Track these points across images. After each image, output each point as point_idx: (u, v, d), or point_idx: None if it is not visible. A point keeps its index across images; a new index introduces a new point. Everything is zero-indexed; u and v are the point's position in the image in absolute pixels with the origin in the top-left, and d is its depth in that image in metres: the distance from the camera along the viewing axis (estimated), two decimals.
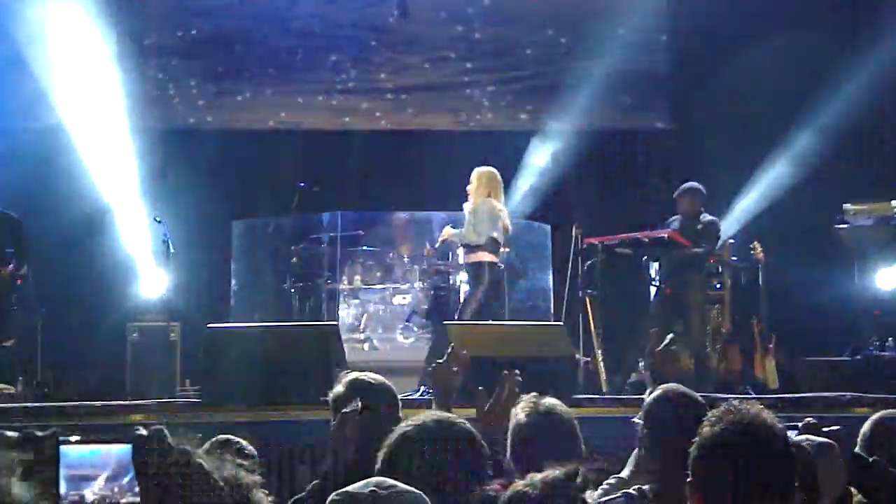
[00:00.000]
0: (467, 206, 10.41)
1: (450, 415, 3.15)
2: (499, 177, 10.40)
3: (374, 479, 2.00)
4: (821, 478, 3.39)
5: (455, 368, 4.37)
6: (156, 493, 1.42)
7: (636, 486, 3.76)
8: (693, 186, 10.95)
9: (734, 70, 13.33)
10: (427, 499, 2.06)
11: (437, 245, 11.78)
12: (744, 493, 2.54)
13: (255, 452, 4.65)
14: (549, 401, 4.10)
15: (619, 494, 3.80)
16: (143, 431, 1.44)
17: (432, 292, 12.13)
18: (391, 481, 2.03)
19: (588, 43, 14.13)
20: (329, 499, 2.00)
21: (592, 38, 14.05)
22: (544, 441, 3.90)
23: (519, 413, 4.03)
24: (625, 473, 4.34)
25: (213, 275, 12.87)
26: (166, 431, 1.43)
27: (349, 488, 2.01)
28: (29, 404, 9.68)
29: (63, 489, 1.39)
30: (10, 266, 10.22)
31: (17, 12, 12.81)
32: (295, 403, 8.50)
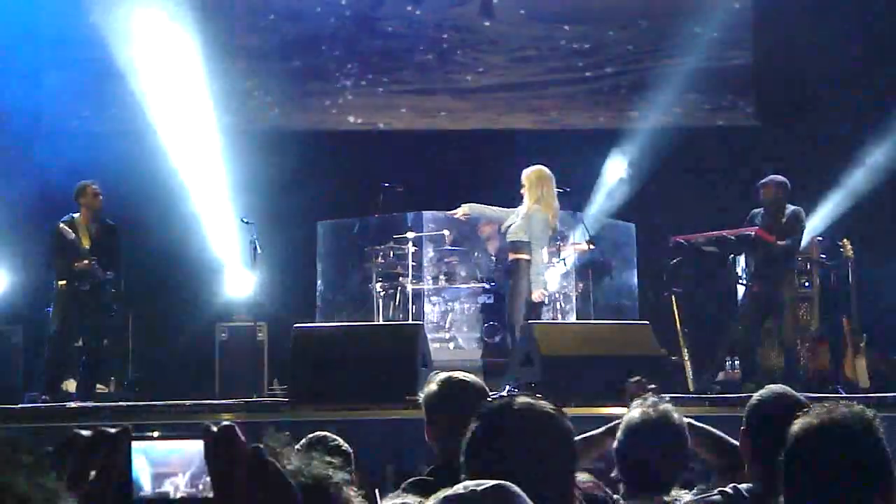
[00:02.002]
0: (521, 209, 10.14)
1: None
2: (546, 172, 10.10)
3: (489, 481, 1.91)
4: None
5: None
6: (226, 491, 1.43)
7: (732, 485, 3.71)
8: (777, 177, 10.65)
9: (819, 66, 13.15)
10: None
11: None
12: (835, 491, 2.48)
13: (350, 450, 4.69)
14: (666, 405, 4.07)
15: (714, 492, 3.75)
16: (213, 428, 1.45)
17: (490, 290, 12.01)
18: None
19: (672, 41, 14.03)
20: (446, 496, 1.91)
21: (676, 36, 13.95)
22: (654, 442, 3.88)
23: (633, 411, 4.01)
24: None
25: (300, 275, 12.96)
26: (237, 429, 1.44)
27: (467, 485, 1.91)
28: (120, 403, 9.88)
29: (149, 487, 1.42)
30: (109, 272, 10.45)
31: (105, 20, 13.03)
32: (381, 402, 8.55)
